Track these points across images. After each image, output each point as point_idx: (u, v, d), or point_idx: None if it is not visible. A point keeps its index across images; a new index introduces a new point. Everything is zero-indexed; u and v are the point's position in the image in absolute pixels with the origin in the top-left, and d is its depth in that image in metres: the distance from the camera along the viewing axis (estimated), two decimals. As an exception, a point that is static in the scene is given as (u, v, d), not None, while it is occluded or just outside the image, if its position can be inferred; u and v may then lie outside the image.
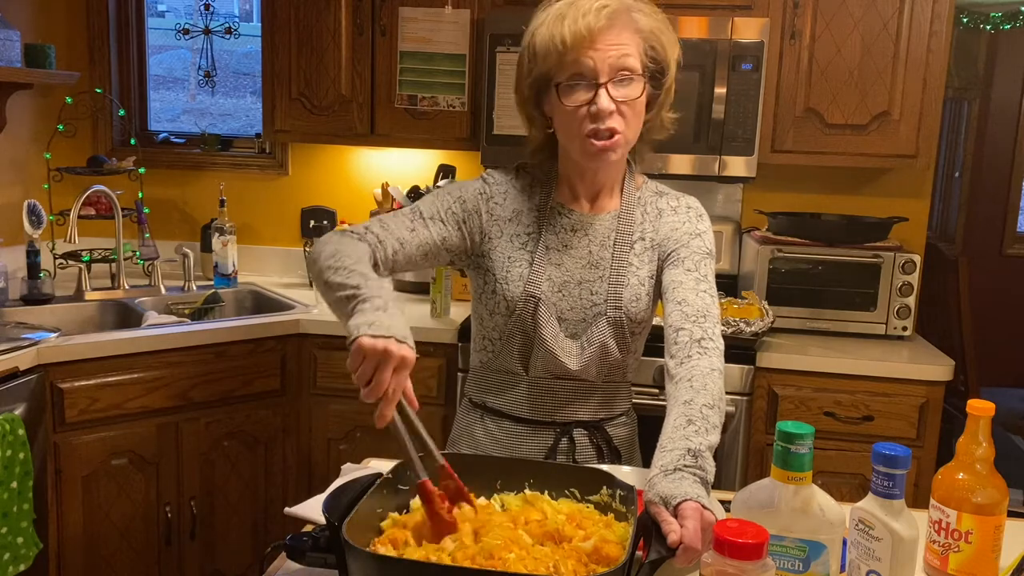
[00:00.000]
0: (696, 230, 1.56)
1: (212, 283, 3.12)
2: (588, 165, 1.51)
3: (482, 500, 1.24)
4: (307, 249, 3.19)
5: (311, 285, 3.11)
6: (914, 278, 2.70)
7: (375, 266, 1.43)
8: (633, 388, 1.71)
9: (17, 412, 2.18)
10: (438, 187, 3.07)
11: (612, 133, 1.44)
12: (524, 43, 1.49)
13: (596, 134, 1.44)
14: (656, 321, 1.64)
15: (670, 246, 1.55)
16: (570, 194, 1.58)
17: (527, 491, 1.26)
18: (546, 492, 1.26)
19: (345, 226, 3.17)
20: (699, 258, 1.53)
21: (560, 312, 1.54)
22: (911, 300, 2.72)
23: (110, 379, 2.41)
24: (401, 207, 3.06)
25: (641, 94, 1.44)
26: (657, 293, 1.57)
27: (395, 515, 1.20)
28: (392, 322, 1.19)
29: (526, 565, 1.05)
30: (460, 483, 1.20)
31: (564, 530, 1.14)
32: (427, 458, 1.20)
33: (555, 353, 1.53)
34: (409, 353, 1.17)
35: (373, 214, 3.24)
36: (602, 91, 1.42)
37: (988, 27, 4.50)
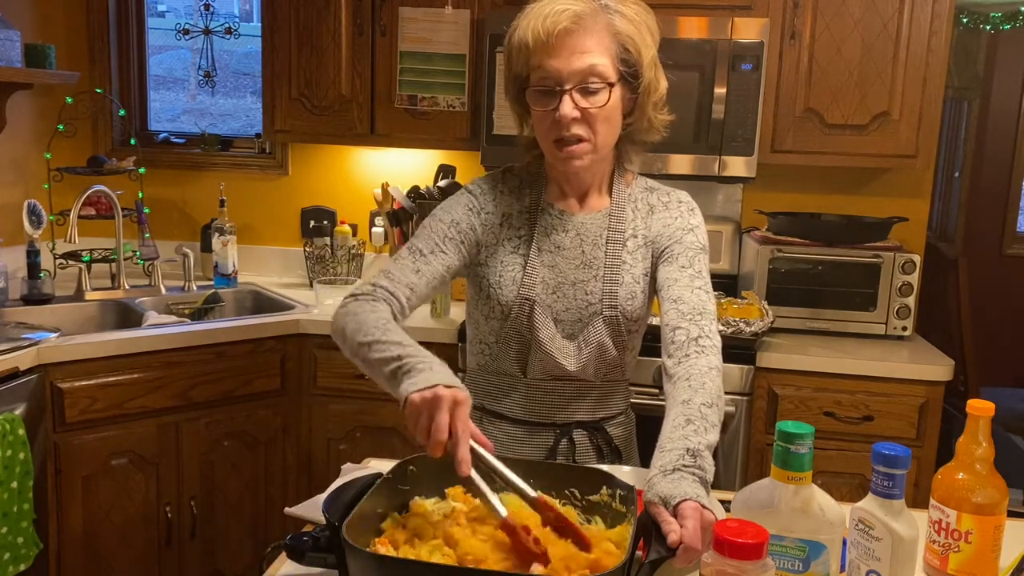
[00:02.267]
0: (689, 225, 1.56)
1: (212, 283, 3.13)
2: (559, 168, 1.51)
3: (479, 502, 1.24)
4: (307, 249, 3.19)
5: (311, 285, 3.11)
6: (914, 278, 2.70)
7: (395, 320, 1.43)
8: (632, 388, 1.71)
9: (17, 412, 2.18)
10: (435, 188, 3.07)
11: (578, 139, 1.44)
12: (505, 42, 1.49)
13: (561, 140, 1.44)
14: (654, 320, 1.63)
15: (663, 242, 1.54)
16: (559, 194, 1.58)
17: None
18: (551, 492, 1.26)
19: (345, 225, 3.17)
20: (693, 254, 1.52)
21: (556, 313, 1.54)
22: (911, 300, 2.72)
23: (110, 379, 2.41)
24: (401, 207, 3.08)
25: (608, 101, 1.43)
26: (652, 290, 1.57)
27: (395, 515, 1.20)
28: (435, 376, 1.20)
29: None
30: (560, 513, 1.16)
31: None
32: (520, 495, 1.18)
33: (552, 355, 1.53)
34: (461, 393, 1.17)
35: (373, 214, 3.25)
36: (565, 98, 1.41)
37: (988, 27, 4.50)
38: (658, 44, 1.49)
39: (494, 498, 1.13)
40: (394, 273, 1.48)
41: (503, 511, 1.12)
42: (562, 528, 1.14)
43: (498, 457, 1.20)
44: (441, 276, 1.52)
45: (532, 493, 1.17)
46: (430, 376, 1.20)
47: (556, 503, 1.21)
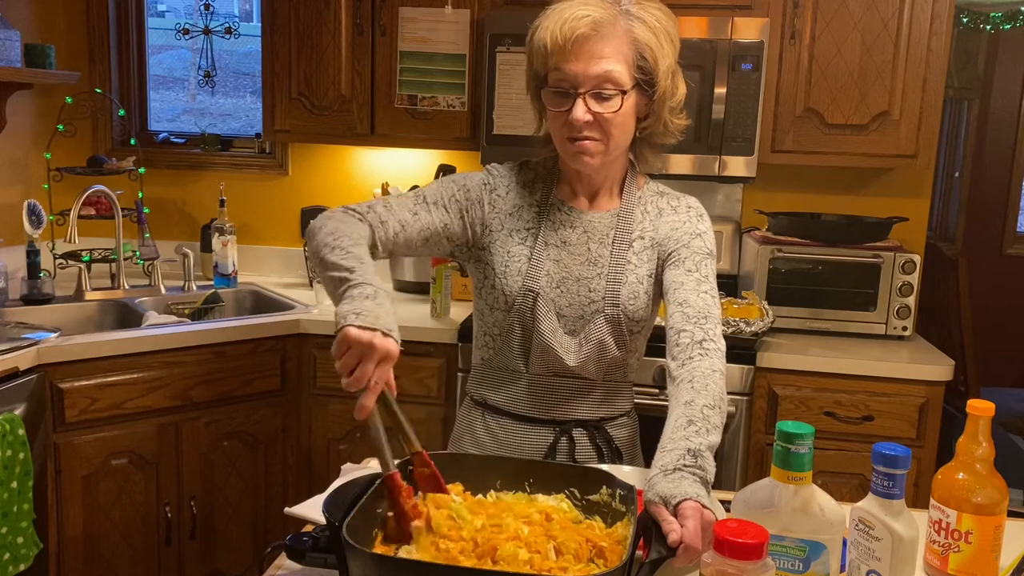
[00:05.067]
0: (697, 230, 1.57)
1: (212, 283, 3.12)
2: (571, 165, 1.53)
3: (479, 498, 1.24)
4: (307, 249, 3.20)
5: (311, 285, 3.11)
6: (914, 278, 2.70)
7: (374, 247, 1.45)
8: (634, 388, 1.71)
9: (17, 412, 2.18)
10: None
11: (586, 139, 1.46)
12: (527, 39, 1.52)
13: (572, 138, 1.47)
14: (657, 321, 1.64)
15: (670, 246, 1.55)
16: (570, 191, 1.60)
17: (527, 491, 1.26)
18: (553, 493, 1.26)
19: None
20: (700, 258, 1.53)
21: (559, 308, 1.55)
22: (911, 300, 2.71)
23: (110, 379, 2.41)
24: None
25: (621, 107, 1.45)
26: (658, 292, 1.57)
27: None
28: (380, 312, 1.21)
29: (532, 564, 1.05)
30: (436, 471, 1.20)
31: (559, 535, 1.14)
32: (406, 443, 1.21)
33: (553, 348, 1.54)
34: (394, 347, 1.19)
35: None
36: (579, 102, 1.43)
37: (988, 27, 4.50)
38: (678, 51, 1.50)
39: (387, 450, 1.16)
40: (392, 205, 1.51)
41: (392, 466, 1.16)
42: (433, 484, 1.19)
43: (489, 456, 1.21)
44: (435, 231, 1.54)
45: (418, 447, 1.20)
46: (373, 311, 1.20)
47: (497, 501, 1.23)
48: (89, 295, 2.86)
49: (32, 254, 2.76)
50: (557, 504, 1.23)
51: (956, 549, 1.20)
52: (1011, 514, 1.24)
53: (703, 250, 1.54)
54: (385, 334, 1.18)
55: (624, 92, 1.44)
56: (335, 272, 1.31)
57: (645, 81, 1.47)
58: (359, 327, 1.18)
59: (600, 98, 1.44)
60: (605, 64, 1.42)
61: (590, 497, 1.24)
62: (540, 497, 1.25)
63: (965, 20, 4.46)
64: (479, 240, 1.59)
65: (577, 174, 1.56)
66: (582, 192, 1.59)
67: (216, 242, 3.10)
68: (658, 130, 1.54)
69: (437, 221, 1.54)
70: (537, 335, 1.54)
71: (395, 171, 3.26)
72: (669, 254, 1.55)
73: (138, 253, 3.10)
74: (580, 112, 1.43)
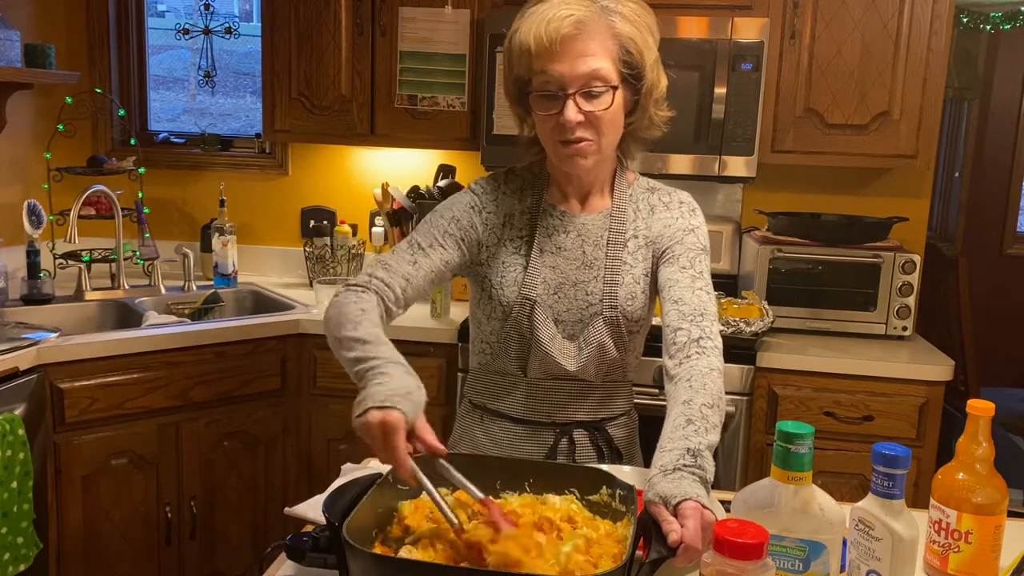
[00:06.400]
0: (690, 225, 1.56)
1: (212, 283, 3.13)
2: (563, 169, 1.52)
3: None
4: (307, 249, 3.20)
5: (311, 285, 3.11)
6: (914, 278, 2.70)
7: (385, 312, 1.44)
8: (633, 388, 1.71)
9: (17, 412, 2.18)
10: (435, 188, 3.07)
11: (580, 140, 1.44)
12: (505, 43, 1.49)
13: (565, 141, 1.45)
14: (655, 320, 1.63)
15: (664, 243, 1.54)
16: (560, 195, 1.58)
17: (528, 492, 1.26)
18: (551, 492, 1.25)
19: (345, 225, 3.18)
20: (694, 254, 1.52)
21: (556, 314, 1.54)
22: (911, 300, 2.71)
23: (110, 379, 2.41)
24: (401, 207, 3.08)
25: (611, 104, 1.43)
26: (654, 291, 1.57)
27: (404, 503, 1.20)
28: (375, 390, 1.20)
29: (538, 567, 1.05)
30: (498, 519, 1.13)
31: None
32: (469, 494, 1.18)
33: (553, 355, 1.53)
34: (391, 416, 1.15)
35: (373, 214, 3.25)
36: (569, 102, 1.41)
37: (988, 27, 4.50)
38: (658, 43, 1.49)
39: (445, 508, 1.12)
40: (391, 264, 1.50)
41: (454, 520, 1.11)
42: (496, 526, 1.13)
43: (489, 457, 1.18)
44: (439, 271, 1.53)
45: (479, 495, 1.17)
46: (372, 394, 1.19)
47: (503, 503, 1.20)
48: (89, 295, 2.86)
49: (32, 254, 2.76)
50: (567, 505, 1.22)
51: (956, 549, 1.20)
52: (1011, 514, 1.24)
53: (697, 246, 1.54)
54: (378, 407, 1.16)
55: (614, 88, 1.43)
56: (351, 368, 1.31)
57: (632, 75, 1.45)
58: (356, 418, 1.18)
59: (590, 96, 1.42)
60: (592, 62, 1.40)
61: (590, 497, 1.24)
62: (550, 498, 1.24)
63: (965, 20, 4.46)
64: (477, 257, 1.57)
65: (567, 176, 1.55)
66: (573, 195, 1.57)
67: (216, 242, 3.10)
68: (643, 124, 1.53)
69: (438, 261, 1.52)
70: (536, 343, 1.53)
71: (395, 171, 3.26)
72: (663, 251, 1.54)
73: (138, 253, 3.10)
74: (572, 113, 1.41)
